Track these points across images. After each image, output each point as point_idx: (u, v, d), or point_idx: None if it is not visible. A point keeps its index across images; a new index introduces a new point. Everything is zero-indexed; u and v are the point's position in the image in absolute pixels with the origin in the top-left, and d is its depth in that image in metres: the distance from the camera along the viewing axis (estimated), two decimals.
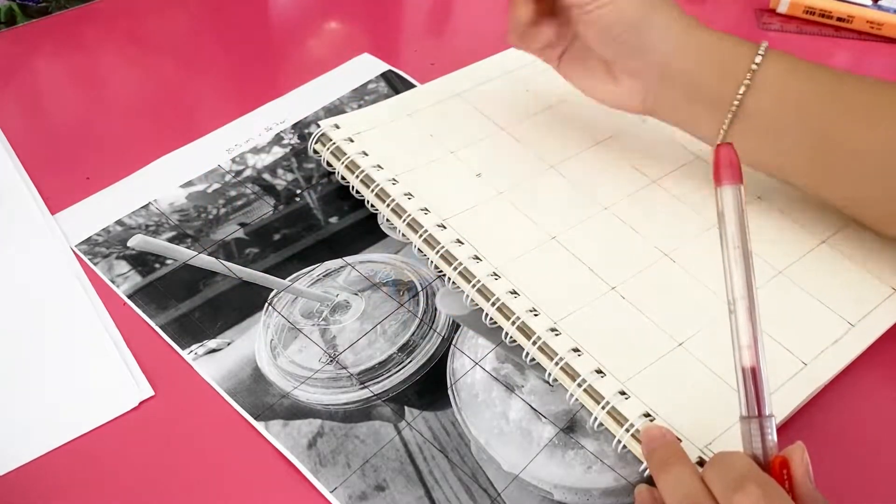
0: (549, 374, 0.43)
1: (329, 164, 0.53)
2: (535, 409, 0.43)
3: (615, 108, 0.51)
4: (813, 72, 0.47)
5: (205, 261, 0.49)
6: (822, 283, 0.48)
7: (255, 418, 0.42)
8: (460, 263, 0.47)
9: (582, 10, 0.46)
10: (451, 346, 0.46)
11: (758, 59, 0.45)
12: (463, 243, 0.48)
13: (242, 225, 0.51)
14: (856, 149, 0.45)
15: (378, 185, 0.51)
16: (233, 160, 0.55)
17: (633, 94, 0.49)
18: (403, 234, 0.50)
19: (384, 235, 0.51)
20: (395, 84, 0.62)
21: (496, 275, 0.47)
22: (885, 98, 0.46)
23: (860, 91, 0.46)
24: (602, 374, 0.42)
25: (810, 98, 0.46)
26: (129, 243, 0.49)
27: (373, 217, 0.52)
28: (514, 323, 0.45)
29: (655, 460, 0.37)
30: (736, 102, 0.46)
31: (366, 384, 0.44)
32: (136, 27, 0.65)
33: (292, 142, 0.57)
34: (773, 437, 0.35)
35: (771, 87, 0.46)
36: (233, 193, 0.53)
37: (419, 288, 0.48)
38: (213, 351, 0.44)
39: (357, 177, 0.52)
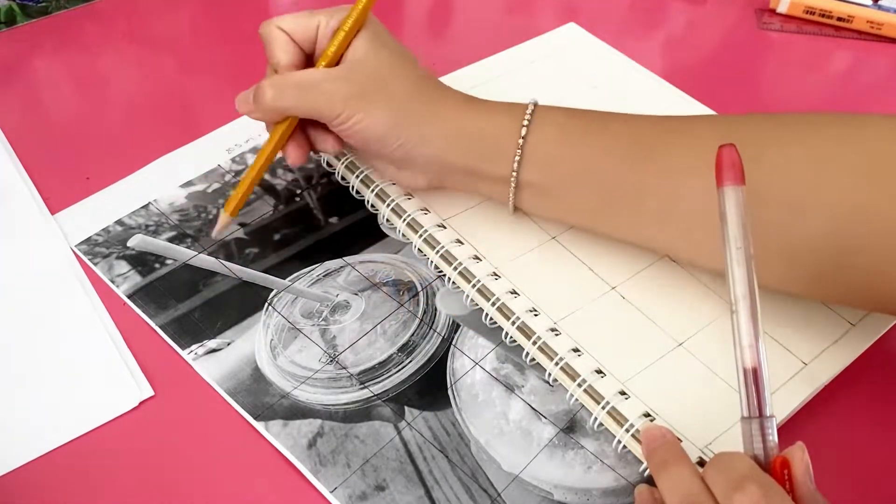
0: (549, 374, 0.43)
1: (329, 165, 0.53)
2: (535, 409, 0.43)
3: (403, 187, 0.50)
4: (581, 124, 0.45)
5: (205, 261, 0.49)
6: None
7: (255, 418, 0.42)
8: (460, 263, 0.47)
9: (335, 128, 0.45)
10: (451, 346, 0.46)
11: (523, 132, 0.44)
12: (463, 243, 0.48)
13: (242, 225, 0.51)
14: (635, 193, 0.44)
15: (378, 185, 0.51)
16: (233, 160, 0.55)
17: (415, 180, 0.48)
18: (403, 234, 0.50)
19: (384, 235, 0.51)
20: None
21: (496, 275, 0.47)
22: (654, 135, 0.44)
23: (631, 133, 0.45)
24: (602, 374, 0.42)
25: (582, 154, 0.44)
26: (129, 243, 0.49)
27: (373, 217, 0.52)
28: (514, 323, 0.45)
29: (656, 460, 0.37)
30: (513, 178, 0.45)
31: (366, 384, 0.44)
32: (136, 27, 0.65)
33: None
34: (773, 437, 0.35)
35: (541, 157, 0.44)
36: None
37: (419, 288, 0.48)
38: (213, 351, 0.44)
39: (357, 177, 0.51)
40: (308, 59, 0.47)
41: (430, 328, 0.46)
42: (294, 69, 0.45)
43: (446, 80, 0.59)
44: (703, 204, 0.41)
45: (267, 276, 0.48)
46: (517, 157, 0.44)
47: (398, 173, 0.48)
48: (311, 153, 0.48)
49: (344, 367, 0.44)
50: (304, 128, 0.47)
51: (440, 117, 0.45)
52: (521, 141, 0.44)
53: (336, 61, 0.45)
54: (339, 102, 0.44)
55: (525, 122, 0.44)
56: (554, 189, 0.45)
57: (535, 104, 0.45)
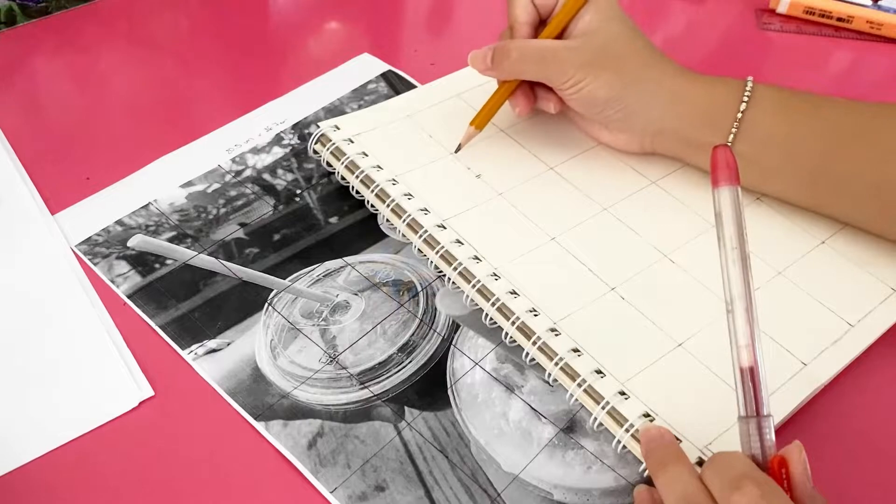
0: (549, 375, 0.43)
1: (329, 165, 0.53)
2: (535, 410, 0.43)
3: (610, 147, 0.54)
4: (799, 104, 0.49)
5: (205, 261, 0.49)
6: (822, 283, 0.48)
7: (255, 418, 0.42)
8: (460, 263, 0.47)
9: (561, 92, 0.50)
10: (451, 347, 0.46)
11: (742, 107, 0.48)
12: (463, 243, 0.48)
13: (242, 225, 0.51)
14: (851, 177, 0.47)
15: (378, 185, 0.51)
16: (233, 160, 0.55)
17: (629, 144, 0.53)
18: (403, 235, 0.50)
19: (384, 235, 0.51)
20: (395, 84, 0.62)
21: (496, 275, 0.47)
22: (865, 120, 0.48)
23: (841, 118, 0.48)
24: (602, 375, 0.42)
25: (799, 135, 0.48)
26: (129, 243, 0.49)
27: (373, 217, 0.52)
28: (513, 323, 0.45)
29: (654, 460, 0.37)
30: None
31: (366, 384, 0.44)
32: (136, 27, 0.65)
33: (292, 142, 0.57)
34: (771, 436, 0.35)
35: (759, 131, 0.48)
36: (233, 193, 0.53)
37: (419, 288, 0.48)
38: (213, 351, 0.44)
39: (357, 177, 0.52)
40: (542, 24, 0.51)
41: (430, 328, 0.46)
42: (529, 28, 0.51)
43: (446, 80, 0.60)
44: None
45: (267, 276, 0.48)
46: (734, 130, 0.48)
47: (613, 137, 0.53)
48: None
49: (344, 368, 0.44)
50: (532, 84, 0.52)
51: (662, 85, 0.49)
52: (739, 115, 0.48)
53: (562, 30, 0.50)
54: (572, 69, 0.48)
55: (745, 98, 0.48)
56: (764, 163, 0.49)
57: (753, 81, 0.49)
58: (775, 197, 0.52)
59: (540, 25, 0.52)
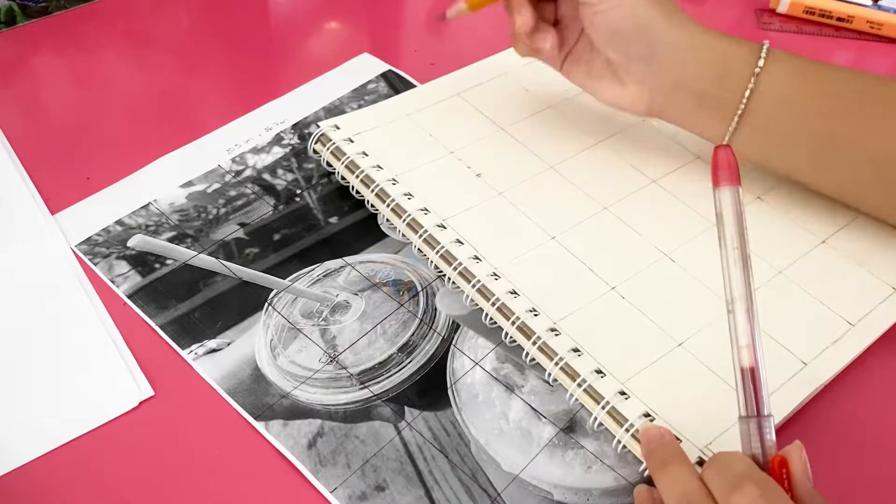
0: (549, 374, 0.43)
1: (329, 165, 0.53)
2: (535, 409, 0.43)
3: (620, 110, 0.51)
4: (813, 70, 0.48)
5: (205, 261, 0.49)
6: (822, 283, 0.48)
7: (255, 418, 0.42)
8: (460, 263, 0.47)
9: (592, 8, 0.47)
10: (451, 346, 0.46)
11: (760, 63, 0.46)
12: (463, 243, 0.48)
13: (242, 225, 0.51)
14: (857, 146, 0.46)
15: (378, 185, 0.51)
16: (233, 160, 0.55)
17: (639, 98, 0.50)
18: (403, 234, 0.50)
19: (384, 235, 0.51)
20: (395, 84, 0.62)
21: (496, 275, 0.47)
22: (881, 93, 0.47)
23: (860, 88, 0.47)
24: (602, 374, 0.42)
25: (811, 98, 0.47)
26: (129, 243, 0.49)
27: (373, 217, 0.52)
28: (513, 323, 0.45)
29: (654, 460, 0.37)
30: (741, 107, 0.47)
31: (366, 384, 0.44)
32: (136, 27, 0.65)
33: (292, 142, 0.57)
34: (771, 436, 0.35)
35: (773, 90, 0.47)
36: (233, 193, 0.53)
37: (419, 288, 0.48)
38: (213, 351, 0.44)
39: (357, 177, 0.52)
40: None
41: (430, 328, 0.46)
42: None
43: (446, 79, 0.60)
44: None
45: (267, 276, 0.48)
46: (750, 86, 0.47)
47: (621, 90, 0.50)
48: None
49: (344, 367, 0.44)
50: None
51: (688, 30, 0.48)
52: (757, 70, 0.47)
53: None
54: None
55: (762, 56, 0.47)
56: (778, 122, 0.47)
57: (768, 44, 0.48)
58: (778, 167, 0.50)
59: None
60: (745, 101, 0.47)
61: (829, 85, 0.47)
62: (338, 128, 0.54)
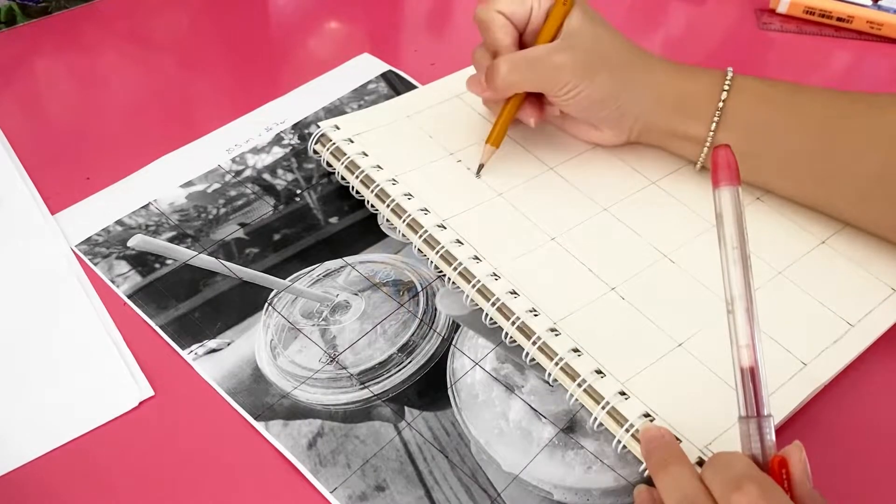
0: (549, 375, 0.43)
1: (329, 165, 0.53)
2: (535, 409, 0.43)
3: (593, 144, 0.55)
4: (775, 94, 0.50)
5: (205, 261, 0.49)
6: (822, 283, 0.48)
7: (255, 418, 0.42)
8: (460, 263, 0.47)
9: (558, 100, 0.50)
10: (451, 347, 0.46)
11: (723, 96, 0.49)
12: (463, 243, 0.48)
13: (242, 225, 0.51)
14: (820, 162, 0.49)
15: (378, 185, 0.51)
16: (233, 160, 0.55)
17: (616, 138, 0.53)
18: (403, 235, 0.50)
19: (384, 235, 0.51)
20: (395, 84, 0.62)
21: (496, 275, 0.47)
22: (840, 108, 0.49)
23: (818, 107, 0.49)
24: (602, 375, 0.42)
25: (774, 122, 0.49)
26: (129, 243, 0.49)
27: (373, 217, 0.52)
28: (513, 323, 0.45)
29: (654, 460, 0.37)
30: (710, 137, 0.50)
31: (366, 384, 0.44)
32: (136, 27, 0.65)
33: (292, 142, 0.57)
34: (771, 437, 0.35)
35: (739, 119, 0.50)
36: (233, 193, 0.53)
37: (419, 288, 0.48)
38: (213, 351, 0.44)
39: (357, 177, 0.52)
40: (520, 39, 0.51)
41: (430, 328, 0.46)
42: (515, 47, 0.50)
43: (446, 80, 0.60)
44: (880, 175, 0.47)
45: (267, 276, 0.48)
46: (715, 119, 0.49)
47: (600, 134, 0.53)
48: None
49: (344, 367, 0.44)
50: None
51: (652, 82, 0.50)
52: (720, 104, 0.49)
53: (553, 37, 0.49)
54: (566, 74, 0.48)
55: (725, 88, 0.49)
56: (747, 150, 0.48)
57: (732, 71, 0.50)
58: (758, 186, 0.52)
59: (521, 41, 0.51)
60: (711, 133, 0.50)
61: (793, 108, 0.49)
62: (338, 128, 0.54)
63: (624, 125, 0.52)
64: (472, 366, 0.45)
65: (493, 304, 0.45)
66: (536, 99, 0.52)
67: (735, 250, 0.36)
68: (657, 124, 0.51)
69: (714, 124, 0.49)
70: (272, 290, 0.48)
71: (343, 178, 0.53)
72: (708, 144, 0.50)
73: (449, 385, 0.44)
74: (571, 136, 0.55)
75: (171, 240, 0.50)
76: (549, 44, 0.49)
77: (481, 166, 0.52)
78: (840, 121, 0.48)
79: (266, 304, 0.47)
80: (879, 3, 0.72)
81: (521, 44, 0.51)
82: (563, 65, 0.48)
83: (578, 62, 0.48)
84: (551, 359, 0.43)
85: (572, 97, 0.49)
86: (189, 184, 0.53)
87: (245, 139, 0.57)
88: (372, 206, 0.51)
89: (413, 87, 0.62)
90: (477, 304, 0.46)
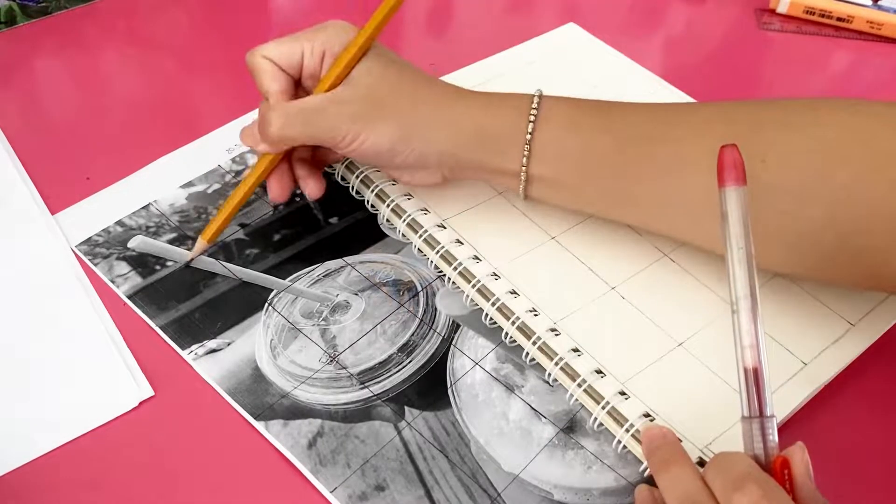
0: (549, 374, 0.43)
1: (329, 165, 0.53)
2: (535, 409, 0.43)
3: (416, 185, 0.50)
4: (586, 117, 0.45)
5: (205, 262, 0.49)
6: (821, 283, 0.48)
7: (255, 418, 0.42)
8: (460, 263, 0.47)
9: (342, 150, 0.46)
10: (451, 346, 0.46)
11: (530, 127, 0.44)
12: (463, 243, 0.48)
13: (242, 225, 0.51)
14: (633, 189, 0.44)
15: (378, 185, 0.51)
16: (233, 160, 0.55)
17: (431, 177, 0.48)
18: (403, 235, 0.50)
19: (384, 235, 0.51)
20: None
21: (496, 275, 0.47)
22: (652, 128, 0.45)
23: (629, 128, 0.45)
24: (602, 374, 0.42)
25: (588, 149, 0.45)
26: (130, 245, 0.49)
27: (373, 217, 0.52)
28: (514, 323, 0.45)
29: (656, 460, 0.37)
30: (523, 171, 0.45)
31: (366, 384, 0.44)
32: (136, 27, 0.65)
33: None
34: (774, 437, 0.35)
35: (550, 150, 0.45)
36: None
37: (419, 288, 0.48)
38: (213, 351, 0.44)
39: (357, 177, 0.51)
40: (296, 85, 0.47)
41: (430, 328, 0.46)
42: (285, 96, 0.46)
43: (446, 80, 0.60)
44: (704, 195, 0.41)
45: (267, 276, 0.48)
46: (525, 153, 0.45)
47: (413, 176, 0.48)
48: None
49: (344, 367, 0.44)
50: (290, 164, 0.48)
51: (446, 119, 0.45)
52: (528, 136, 0.44)
53: (336, 85, 0.45)
54: (344, 125, 0.44)
55: (531, 118, 0.44)
56: (563, 181, 0.46)
57: (541, 96, 0.45)
58: (586, 213, 0.49)
59: (298, 86, 0.47)
60: (523, 167, 0.45)
61: (606, 132, 0.45)
62: None
63: (429, 165, 0.47)
64: (472, 366, 0.45)
65: (493, 304, 0.45)
66: (318, 157, 0.49)
67: (741, 250, 0.36)
68: (464, 160, 0.46)
69: (525, 158, 0.45)
70: (272, 290, 0.48)
71: (343, 178, 0.53)
72: (524, 179, 0.46)
73: (449, 385, 0.44)
74: (389, 177, 0.51)
75: (171, 241, 0.49)
76: (326, 93, 0.45)
77: (190, 260, 0.48)
78: (653, 146, 0.44)
79: (266, 305, 0.47)
80: (879, 3, 0.72)
81: (303, 89, 0.47)
82: (339, 114, 0.44)
83: (358, 111, 0.44)
84: (551, 359, 0.43)
85: (355, 147, 0.45)
86: (189, 184, 0.53)
87: None
88: (372, 206, 0.51)
89: None
90: (477, 304, 0.46)
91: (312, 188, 0.49)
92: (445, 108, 0.45)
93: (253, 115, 0.58)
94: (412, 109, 0.45)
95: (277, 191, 0.48)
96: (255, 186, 0.48)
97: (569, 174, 0.45)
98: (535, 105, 0.45)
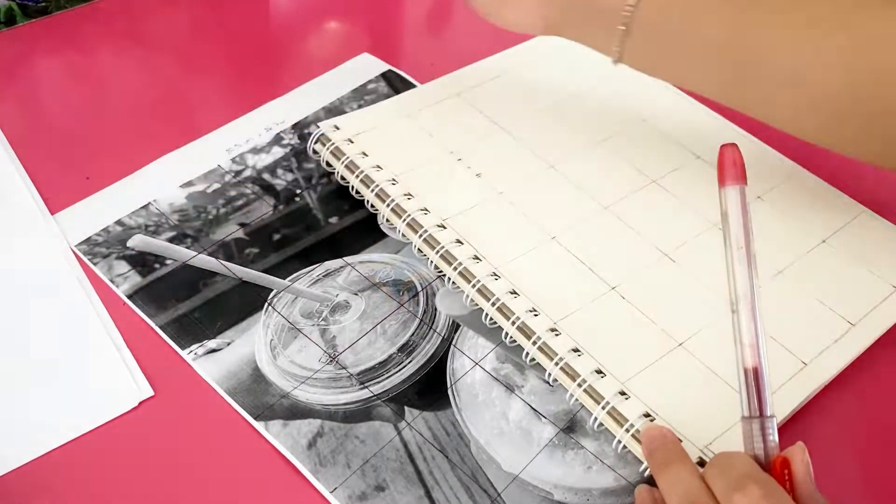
0: (549, 374, 0.43)
1: (329, 165, 0.53)
2: (535, 409, 0.43)
3: (519, 31, 0.52)
4: None
5: (205, 261, 0.49)
6: (822, 282, 0.48)
7: (255, 418, 0.42)
8: (460, 263, 0.47)
9: None
10: (451, 346, 0.46)
11: None
12: (463, 243, 0.48)
13: (242, 225, 0.51)
14: (761, 59, 0.44)
15: (378, 185, 0.51)
16: (233, 160, 0.55)
17: (533, 19, 0.50)
18: (403, 234, 0.50)
19: (384, 235, 0.51)
20: (395, 84, 0.62)
21: (496, 275, 0.47)
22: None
23: None
24: (602, 374, 0.42)
25: (695, 5, 0.45)
26: (129, 243, 0.49)
27: (373, 217, 0.52)
28: (514, 323, 0.45)
29: (656, 460, 0.37)
30: (626, 15, 0.46)
31: (366, 384, 0.44)
32: (136, 27, 0.65)
33: (292, 142, 0.57)
34: (774, 437, 0.35)
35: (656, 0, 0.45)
36: (233, 193, 0.53)
37: (419, 288, 0.48)
38: (213, 351, 0.44)
39: (357, 177, 0.51)
40: None
41: (430, 328, 0.46)
42: None
43: (446, 80, 0.60)
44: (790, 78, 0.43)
45: (267, 276, 0.48)
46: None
47: (515, 11, 0.50)
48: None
49: (344, 367, 0.44)
50: None
51: None
52: None
53: None
54: None
55: None
56: (663, 37, 0.46)
57: None
58: (675, 80, 0.50)
59: None
60: (628, 11, 0.46)
61: None
62: (337, 128, 0.54)
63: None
64: (472, 366, 0.45)
65: (493, 304, 0.45)
66: None
67: (741, 250, 0.36)
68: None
69: (630, 4, 0.46)
70: (272, 290, 0.48)
71: (343, 178, 0.53)
72: (622, 28, 0.46)
73: (449, 385, 0.44)
74: (495, 21, 0.52)
75: (170, 240, 0.50)
76: None
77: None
78: (752, 13, 0.44)
79: (266, 304, 0.47)
80: None
81: None
82: None
83: None
84: (551, 359, 0.43)
85: None
86: (189, 184, 0.53)
87: (245, 139, 0.56)
88: (372, 206, 0.51)
89: (413, 86, 0.62)
90: (477, 304, 0.46)
91: None
92: None
93: (253, 115, 0.58)
94: None
95: None
96: None
97: (670, 25, 0.46)
98: None
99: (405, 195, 0.50)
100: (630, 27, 0.46)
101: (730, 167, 0.36)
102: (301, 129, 0.58)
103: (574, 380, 0.42)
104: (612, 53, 0.48)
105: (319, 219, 0.52)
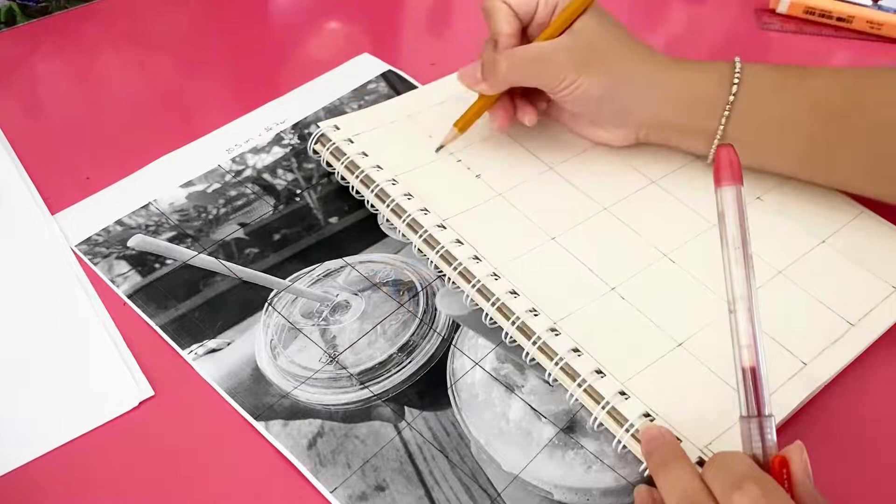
0: (549, 374, 0.43)
1: (329, 165, 0.53)
2: (535, 409, 0.43)
3: (611, 146, 0.54)
4: (785, 81, 0.50)
5: (205, 261, 0.49)
6: (822, 283, 0.48)
7: (255, 418, 0.42)
8: (460, 263, 0.47)
9: (553, 94, 0.50)
10: (451, 346, 0.46)
11: (734, 89, 0.48)
12: (463, 243, 0.48)
13: (242, 225, 0.51)
14: (840, 142, 0.49)
15: (378, 185, 0.51)
16: (233, 160, 0.55)
17: (625, 138, 0.53)
18: (403, 234, 0.50)
19: (384, 235, 0.51)
20: (395, 84, 0.62)
21: (496, 275, 0.47)
22: (850, 88, 0.49)
23: (828, 89, 0.49)
24: (602, 374, 0.42)
25: (786, 112, 0.49)
26: (129, 243, 0.49)
27: (373, 217, 0.52)
28: (514, 323, 0.45)
29: (655, 460, 0.37)
30: (720, 131, 0.50)
31: (366, 384, 0.44)
32: (136, 27, 0.65)
33: (292, 142, 0.57)
34: (772, 436, 0.35)
35: (750, 113, 0.49)
36: (233, 193, 0.53)
37: (419, 288, 0.48)
38: (213, 351, 0.44)
39: (357, 177, 0.52)
40: (524, 32, 0.51)
41: (430, 328, 0.46)
42: (513, 40, 0.50)
43: (446, 80, 0.60)
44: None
45: (267, 276, 0.48)
46: (726, 114, 0.49)
47: (608, 133, 0.53)
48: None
49: (344, 367, 0.44)
50: (512, 96, 0.53)
51: (654, 79, 0.50)
52: (731, 98, 0.48)
53: (558, 34, 0.49)
54: (564, 70, 0.48)
55: (735, 80, 0.49)
56: (757, 142, 0.49)
57: (740, 62, 0.49)
58: (771, 171, 0.52)
59: (522, 34, 0.51)
60: (722, 127, 0.49)
61: (804, 94, 0.49)
62: (338, 128, 0.54)
63: (629, 123, 0.51)
64: (472, 366, 0.45)
65: (493, 304, 0.45)
66: (531, 96, 0.52)
67: (738, 250, 0.36)
68: (667, 122, 0.51)
69: (724, 118, 0.49)
70: (272, 290, 0.48)
71: (343, 178, 0.53)
72: (718, 138, 0.50)
73: (449, 385, 0.44)
74: (580, 137, 0.54)
75: (171, 240, 0.50)
76: (552, 40, 0.49)
77: (441, 146, 0.53)
78: (851, 109, 0.48)
79: (266, 304, 0.47)
80: (879, 3, 0.72)
81: (526, 36, 0.51)
82: (564, 62, 0.48)
83: (576, 58, 0.48)
84: (551, 359, 0.43)
85: (569, 93, 0.49)
86: (189, 184, 0.53)
87: (245, 139, 0.57)
88: (372, 206, 0.51)
89: (413, 87, 0.62)
90: (477, 304, 0.46)
91: (531, 116, 0.52)
92: (659, 70, 0.50)
93: (253, 115, 0.58)
94: (626, 66, 0.49)
95: (503, 119, 0.52)
96: (476, 118, 0.52)
97: (764, 135, 0.49)
98: (738, 70, 0.49)
99: (405, 195, 0.50)
100: (724, 138, 0.50)
101: (726, 167, 0.36)
102: (301, 129, 0.58)
103: (574, 380, 0.42)
104: (706, 157, 0.52)
105: (319, 219, 0.52)
